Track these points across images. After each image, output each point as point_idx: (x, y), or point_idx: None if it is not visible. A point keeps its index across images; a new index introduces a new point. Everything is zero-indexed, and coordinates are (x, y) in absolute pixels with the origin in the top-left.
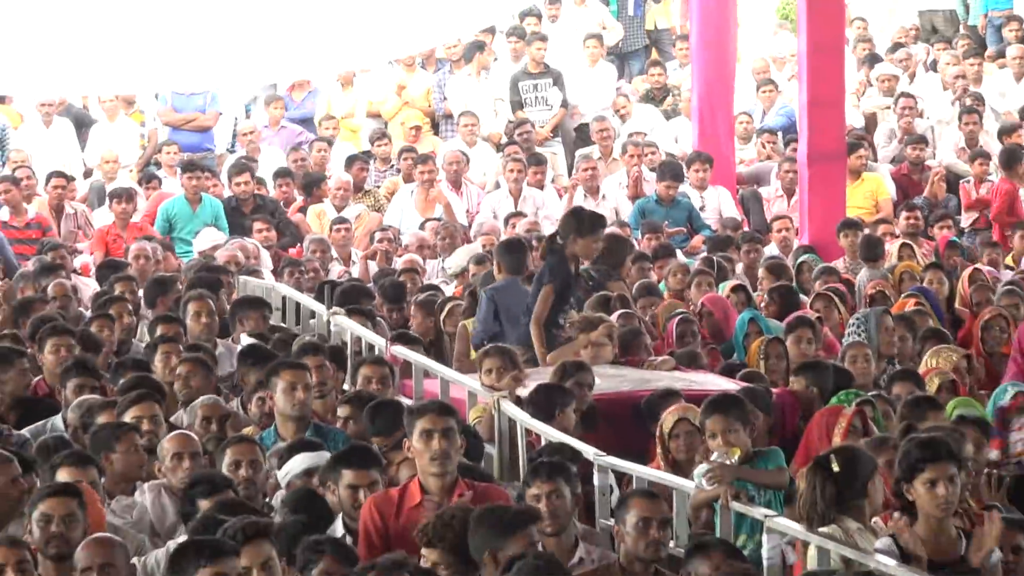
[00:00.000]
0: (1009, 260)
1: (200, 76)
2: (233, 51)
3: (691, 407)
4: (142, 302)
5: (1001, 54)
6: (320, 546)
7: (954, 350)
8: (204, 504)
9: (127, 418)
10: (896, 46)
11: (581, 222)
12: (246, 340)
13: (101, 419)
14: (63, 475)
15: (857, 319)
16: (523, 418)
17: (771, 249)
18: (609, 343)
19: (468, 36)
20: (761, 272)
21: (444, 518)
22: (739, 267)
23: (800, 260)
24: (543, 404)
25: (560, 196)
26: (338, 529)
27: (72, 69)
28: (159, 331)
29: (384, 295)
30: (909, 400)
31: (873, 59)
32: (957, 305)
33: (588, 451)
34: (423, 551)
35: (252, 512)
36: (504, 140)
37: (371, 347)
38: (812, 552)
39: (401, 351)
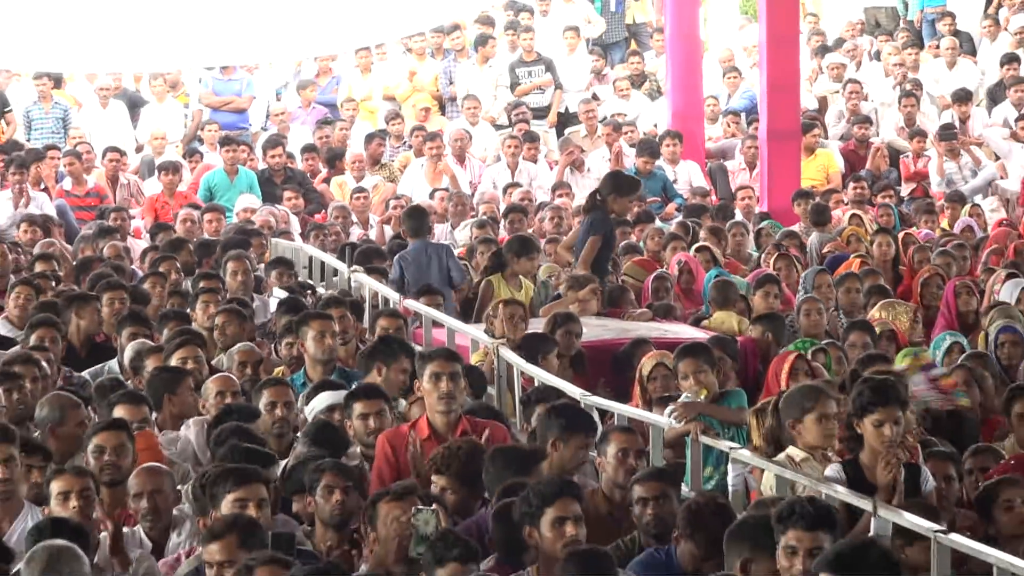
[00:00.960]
0: (944, 225)
1: (230, 55)
2: (260, 31)
3: (666, 353)
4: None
5: (936, 46)
6: (321, 466)
7: (905, 304)
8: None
9: (173, 361)
10: (844, 39)
11: (619, 184)
12: (279, 293)
13: (149, 362)
14: (119, 412)
15: (804, 276)
16: (518, 363)
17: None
18: (594, 298)
19: (463, 17)
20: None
21: (452, 449)
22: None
23: (760, 226)
24: (529, 350)
25: (551, 168)
26: (355, 456)
27: (115, 48)
28: (201, 285)
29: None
30: (863, 357)
31: (824, 50)
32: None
33: (575, 391)
34: (433, 478)
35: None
36: (506, 120)
37: (387, 301)
38: (769, 478)
39: (412, 304)
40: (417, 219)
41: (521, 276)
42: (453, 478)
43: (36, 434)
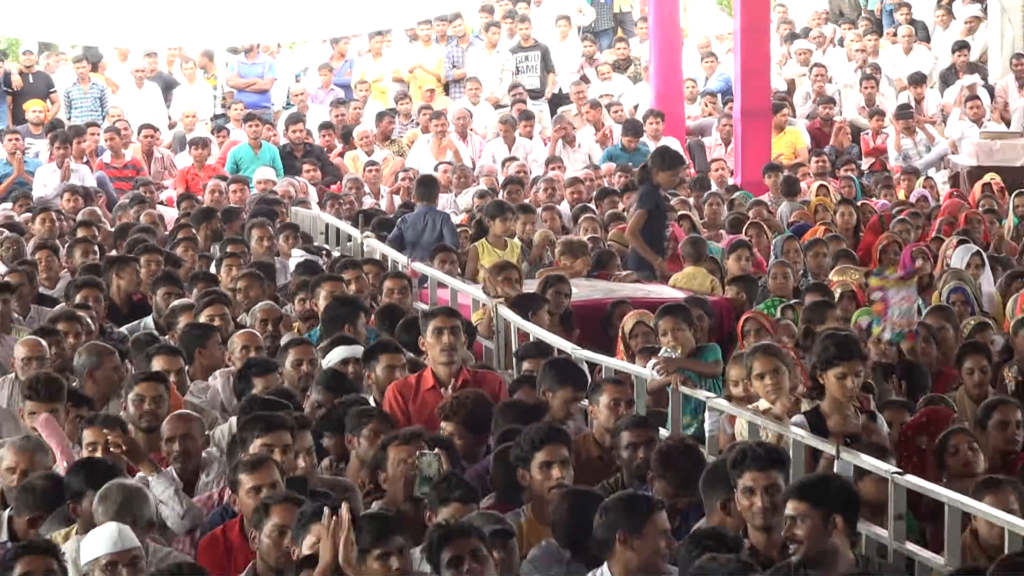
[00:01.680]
0: (901, 195)
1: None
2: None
3: (647, 312)
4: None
5: (893, 33)
6: (368, 412)
7: (856, 268)
8: (257, 382)
9: (202, 318)
10: (810, 27)
11: (664, 159)
12: (296, 254)
13: (182, 319)
14: (156, 363)
15: (774, 243)
16: (514, 319)
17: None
18: (581, 264)
19: (465, 7)
20: None
21: (460, 399)
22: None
23: (733, 196)
24: (521, 308)
25: (544, 144)
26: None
27: (146, 26)
28: (228, 250)
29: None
30: (809, 304)
31: (792, 37)
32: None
33: (567, 346)
34: (442, 424)
35: (289, 397)
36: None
37: (395, 263)
38: (742, 424)
39: (419, 267)
40: (427, 186)
41: (505, 237)
42: (460, 425)
43: (76, 382)
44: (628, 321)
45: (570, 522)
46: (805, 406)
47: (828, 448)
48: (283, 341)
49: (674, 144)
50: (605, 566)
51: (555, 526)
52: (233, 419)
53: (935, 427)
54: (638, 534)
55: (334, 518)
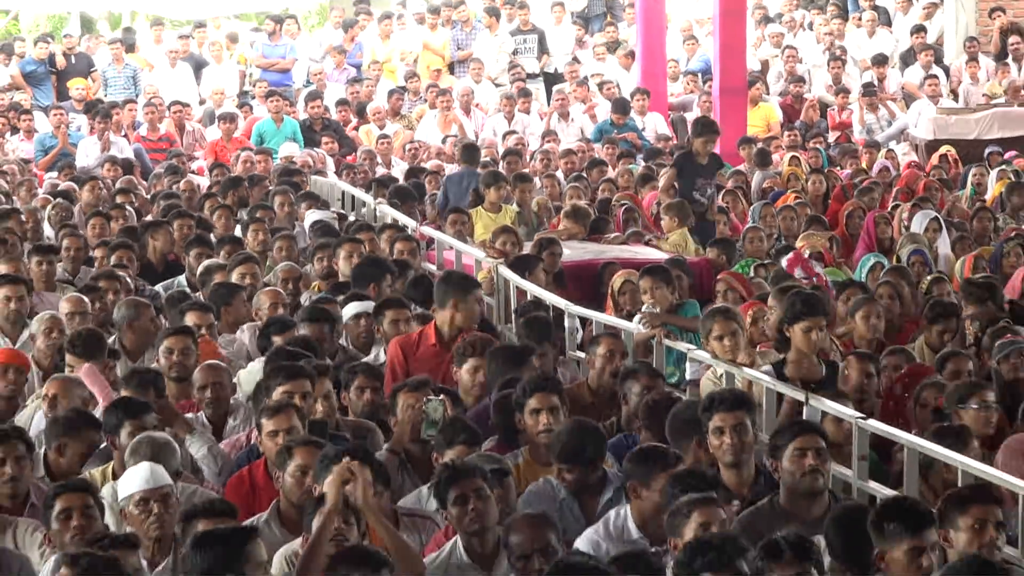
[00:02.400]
0: (864, 166)
1: None
2: None
3: (633, 271)
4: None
5: (858, 18)
6: (355, 368)
7: (822, 233)
8: (276, 339)
9: (234, 277)
10: (783, 12)
11: (699, 127)
12: (311, 214)
13: (217, 277)
14: (189, 318)
15: (752, 209)
16: (514, 279)
17: None
18: (581, 228)
19: None
20: None
21: (473, 338)
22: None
23: None
24: (518, 268)
25: (541, 119)
26: (380, 356)
27: None
28: (256, 215)
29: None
30: (779, 269)
31: (766, 20)
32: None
33: (561, 302)
34: (469, 361)
35: (310, 348)
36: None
37: (405, 227)
38: (717, 372)
39: (427, 230)
40: (470, 151)
41: (501, 203)
42: (480, 357)
43: (114, 337)
44: (616, 280)
45: (568, 445)
46: (758, 360)
47: (798, 395)
48: (305, 299)
49: (659, 119)
50: (628, 507)
51: (555, 450)
52: (254, 366)
53: (914, 381)
54: (647, 486)
55: (350, 464)
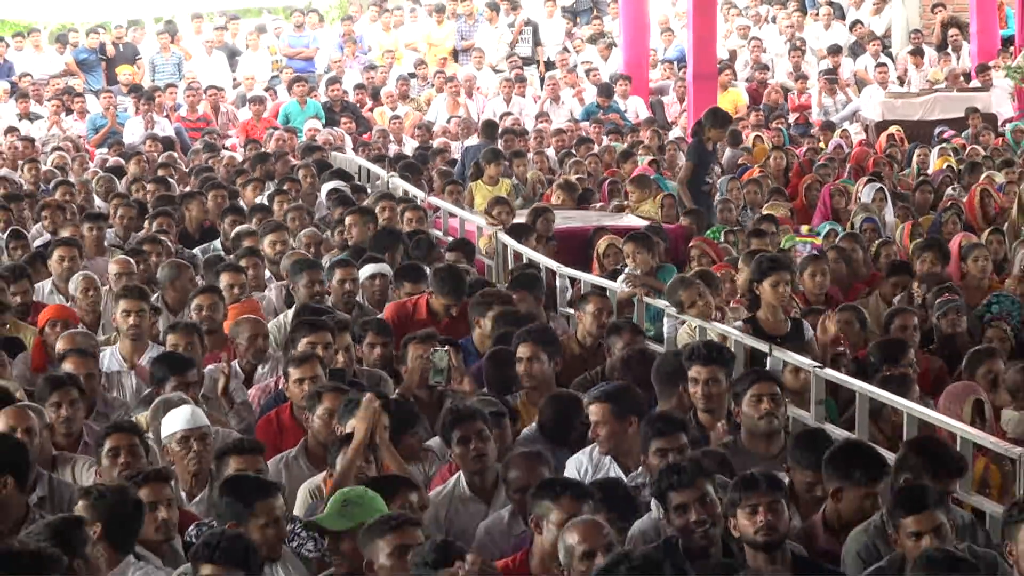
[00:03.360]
0: (821, 144)
1: None
2: None
3: (616, 236)
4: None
5: (816, 13)
6: (367, 324)
7: (783, 204)
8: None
9: (265, 242)
10: (750, 7)
11: (716, 117)
12: (328, 185)
13: (246, 243)
14: (223, 278)
15: (720, 182)
16: (511, 243)
17: (674, 133)
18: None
19: None
20: None
21: (491, 292)
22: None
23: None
24: (514, 234)
25: (535, 102)
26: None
27: None
28: (284, 187)
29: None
30: (749, 230)
31: (735, 14)
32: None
33: (553, 264)
34: (488, 314)
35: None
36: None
37: (414, 197)
38: (691, 326)
39: (434, 200)
40: (490, 127)
41: (499, 177)
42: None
43: (158, 294)
44: (601, 244)
45: (553, 420)
46: (729, 314)
47: (762, 346)
48: (325, 262)
49: (640, 102)
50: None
51: (542, 426)
52: (280, 320)
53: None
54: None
55: (373, 404)
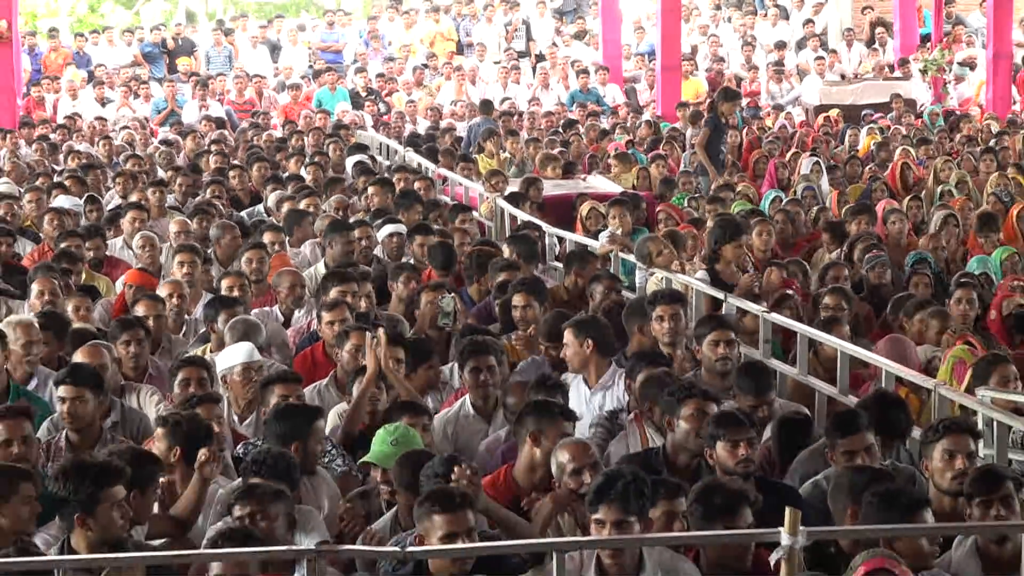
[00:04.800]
0: (768, 124)
1: None
2: None
3: (597, 202)
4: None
5: (764, 14)
6: (402, 266)
7: (741, 175)
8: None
9: (301, 205)
10: (709, 10)
11: (727, 93)
12: (351, 159)
13: (286, 206)
14: (266, 236)
15: (685, 156)
16: (508, 207)
17: (644, 116)
18: (558, 168)
19: None
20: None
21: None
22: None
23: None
24: (510, 201)
25: (528, 88)
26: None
27: None
28: (315, 160)
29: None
30: (709, 196)
31: (696, 16)
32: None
33: (543, 225)
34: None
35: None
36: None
37: (426, 169)
38: (660, 276)
39: (442, 171)
40: (487, 105)
41: (497, 152)
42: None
43: (211, 249)
44: (584, 207)
45: (552, 327)
46: (688, 267)
47: (717, 294)
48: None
49: (616, 90)
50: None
51: (542, 331)
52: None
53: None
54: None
55: (375, 338)
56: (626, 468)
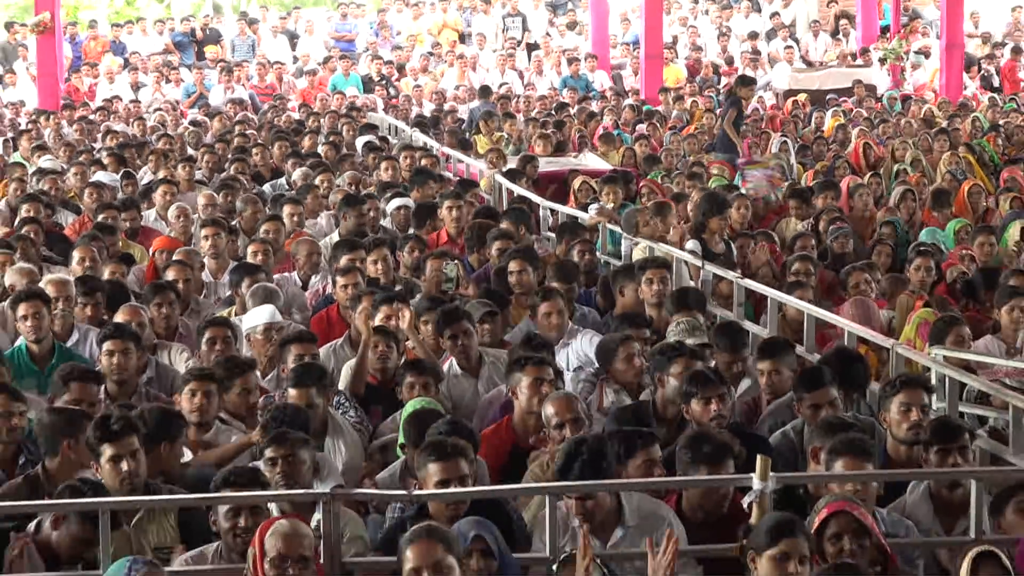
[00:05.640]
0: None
1: None
2: None
3: (587, 177)
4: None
5: (739, 7)
6: (408, 236)
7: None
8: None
9: (317, 181)
10: (689, 3)
11: (745, 80)
12: (361, 140)
13: (297, 175)
14: (286, 209)
15: (666, 136)
16: (505, 182)
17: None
18: (550, 147)
19: None
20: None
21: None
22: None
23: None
24: (509, 176)
25: (524, 74)
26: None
27: None
28: (331, 140)
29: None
30: (688, 172)
31: (676, 9)
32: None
33: (537, 199)
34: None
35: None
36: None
37: (431, 147)
38: (643, 245)
39: (446, 150)
40: (484, 90)
41: (494, 132)
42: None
43: (235, 220)
44: (576, 182)
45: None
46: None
47: (696, 262)
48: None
49: (603, 75)
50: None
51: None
52: (327, 241)
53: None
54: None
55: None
56: (587, 443)
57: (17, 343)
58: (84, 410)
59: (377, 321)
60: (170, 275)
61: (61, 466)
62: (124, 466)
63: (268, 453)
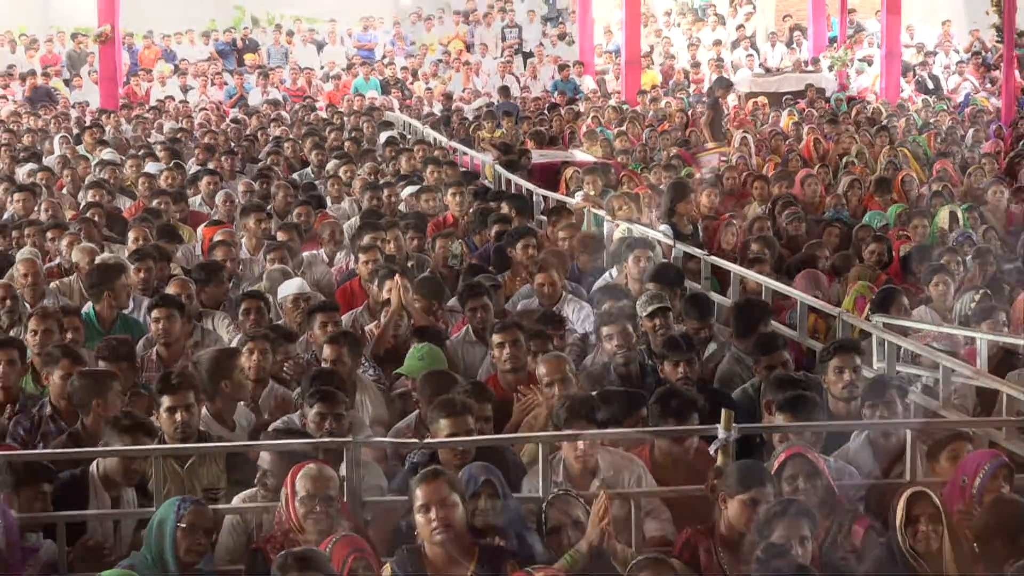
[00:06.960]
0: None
1: None
2: None
3: (577, 168)
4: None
5: (705, 21)
6: (408, 218)
7: (691, 147)
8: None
9: (341, 172)
10: (664, 15)
11: (722, 83)
12: (383, 137)
13: (329, 166)
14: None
15: (646, 132)
16: (504, 172)
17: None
18: (543, 142)
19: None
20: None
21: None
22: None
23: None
24: (508, 167)
25: (521, 79)
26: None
27: None
28: (352, 136)
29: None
30: (664, 164)
31: (652, 21)
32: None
33: (531, 186)
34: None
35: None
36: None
37: (441, 142)
38: (624, 227)
39: (454, 144)
40: (505, 90)
41: (495, 129)
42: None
43: (270, 205)
44: (568, 172)
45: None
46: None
47: (668, 242)
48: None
49: (589, 79)
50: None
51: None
52: (350, 223)
53: None
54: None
55: (397, 278)
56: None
57: (85, 308)
58: (111, 370)
59: (384, 292)
60: (218, 255)
61: (94, 422)
62: (178, 416)
63: (318, 409)
